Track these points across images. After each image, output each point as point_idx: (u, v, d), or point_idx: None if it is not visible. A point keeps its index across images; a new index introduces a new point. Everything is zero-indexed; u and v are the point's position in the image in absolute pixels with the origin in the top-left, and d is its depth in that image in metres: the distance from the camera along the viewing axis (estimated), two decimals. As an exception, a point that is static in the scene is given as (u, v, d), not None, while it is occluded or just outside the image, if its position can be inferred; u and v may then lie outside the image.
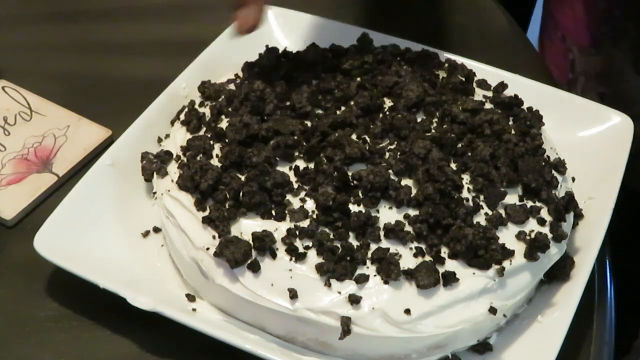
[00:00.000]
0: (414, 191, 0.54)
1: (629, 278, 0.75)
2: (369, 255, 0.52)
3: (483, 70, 0.68)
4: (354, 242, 0.52)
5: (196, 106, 0.63)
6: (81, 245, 0.57)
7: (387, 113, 0.60)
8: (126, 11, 0.83)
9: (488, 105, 0.62)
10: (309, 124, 0.58)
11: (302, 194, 0.54)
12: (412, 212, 0.54)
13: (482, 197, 0.55)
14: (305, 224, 0.53)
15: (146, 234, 0.60)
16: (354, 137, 0.58)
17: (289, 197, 0.54)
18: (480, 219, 0.54)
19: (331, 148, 0.56)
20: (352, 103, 0.60)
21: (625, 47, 0.75)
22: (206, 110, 0.62)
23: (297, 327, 0.52)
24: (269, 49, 0.67)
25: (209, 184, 0.54)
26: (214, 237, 0.53)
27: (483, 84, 0.65)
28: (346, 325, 0.50)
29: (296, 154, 0.57)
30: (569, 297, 0.55)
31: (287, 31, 0.74)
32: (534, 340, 0.54)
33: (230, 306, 0.55)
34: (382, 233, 0.53)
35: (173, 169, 0.58)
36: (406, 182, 0.55)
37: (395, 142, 0.58)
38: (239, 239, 0.52)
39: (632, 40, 0.74)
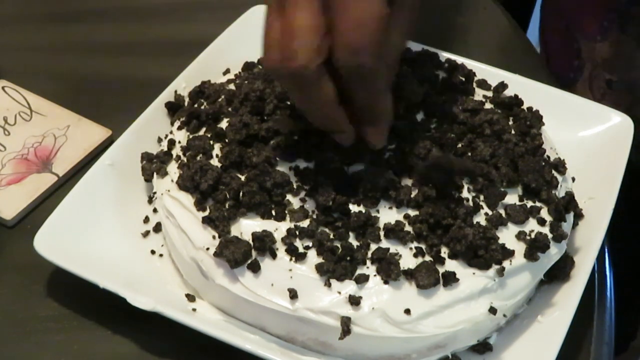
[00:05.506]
0: (414, 191, 0.54)
1: (629, 277, 0.75)
2: (369, 255, 0.52)
3: (483, 70, 0.68)
4: (354, 242, 0.52)
5: (196, 106, 0.63)
6: (81, 245, 0.57)
7: (387, 113, 0.60)
8: (126, 11, 0.83)
9: (488, 105, 0.62)
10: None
11: (302, 194, 0.54)
12: (412, 212, 0.54)
13: (482, 197, 0.55)
14: (305, 224, 0.53)
15: (146, 234, 0.60)
16: (354, 137, 0.58)
17: (289, 197, 0.54)
18: (480, 219, 0.54)
19: (331, 148, 0.56)
20: (352, 103, 0.60)
21: (633, 33, 0.74)
22: (206, 110, 0.62)
23: (297, 327, 0.52)
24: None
25: (209, 184, 0.54)
26: (214, 237, 0.53)
27: (483, 84, 0.65)
28: (346, 325, 0.50)
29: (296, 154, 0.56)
30: (569, 297, 0.55)
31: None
32: (534, 340, 0.54)
33: (230, 306, 0.55)
34: (382, 233, 0.52)
35: (173, 169, 0.58)
36: (406, 182, 0.55)
37: (395, 142, 0.58)
38: (239, 239, 0.52)
39: (639, 26, 0.73)
